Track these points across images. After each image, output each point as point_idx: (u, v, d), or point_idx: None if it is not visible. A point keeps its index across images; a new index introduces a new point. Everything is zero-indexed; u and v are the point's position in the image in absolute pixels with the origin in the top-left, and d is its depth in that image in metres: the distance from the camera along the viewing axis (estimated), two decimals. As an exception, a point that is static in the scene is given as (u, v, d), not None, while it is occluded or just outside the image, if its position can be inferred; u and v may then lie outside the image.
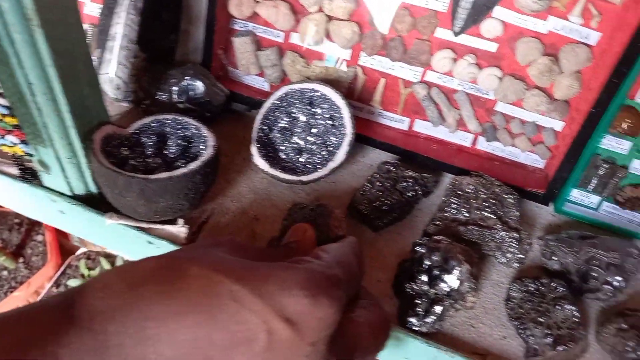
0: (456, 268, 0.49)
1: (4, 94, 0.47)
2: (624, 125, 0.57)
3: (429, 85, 0.65)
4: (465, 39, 0.61)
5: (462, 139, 0.67)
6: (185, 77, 0.63)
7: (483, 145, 0.67)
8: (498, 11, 0.58)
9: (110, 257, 1.45)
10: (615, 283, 0.52)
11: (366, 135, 0.68)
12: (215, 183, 0.56)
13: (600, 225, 0.62)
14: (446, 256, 0.50)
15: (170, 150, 0.55)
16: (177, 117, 0.56)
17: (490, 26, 0.59)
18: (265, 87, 0.71)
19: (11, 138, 0.49)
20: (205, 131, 0.55)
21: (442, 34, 0.61)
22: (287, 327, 0.27)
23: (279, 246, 0.51)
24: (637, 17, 0.51)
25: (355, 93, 0.69)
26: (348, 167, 0.66)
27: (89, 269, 1.42)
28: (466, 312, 0.52)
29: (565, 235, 0.56)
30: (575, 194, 0.62)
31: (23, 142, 0.50)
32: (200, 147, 0.54)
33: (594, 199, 0.62)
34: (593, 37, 0.56)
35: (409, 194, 0.59)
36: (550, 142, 0.63)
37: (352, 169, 0.66)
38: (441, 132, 0.68)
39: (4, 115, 0.48)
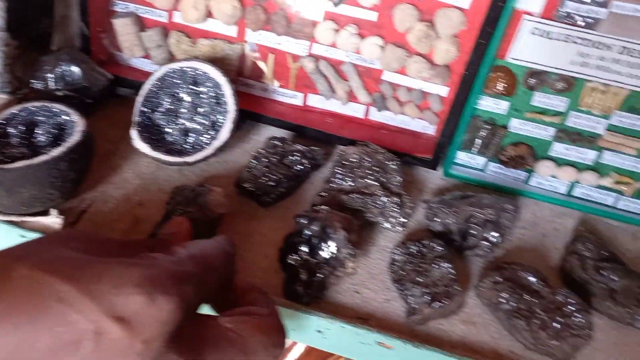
0: (332, 235, 0.49)
1: None
2: (500, 86, 0.58)
3: (317, 58, 0.65)
4: (345, 9, 0.61)
5: (355, 110, 0.68)
6: (60, 63, 0.61)
7: (375, 115, 0.67)
8: (372, -21, 0.58)
9: None
10: (492, 239, 0.53)
11: (259, 112, 0.67)
12: (89, 170, 0.54)
13: (488, 185, 0.63)
14: (324, 225, 0.50)
15: (40, 139, 0.53)
16: (46, 105, 0.54)
17: (366, -6, 0.59)
18: (154, 69, 0.69)
19: None
20: (75, 117, 0.53)
21: (323, 5, 0.61)
22: (119, 327, 0.26)
23: (149, 238, 0.50)
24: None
25: (246, 70, 0.68)
26: (241, 146, 0.65)
27: None
28: (352, 278, 0.53)
29: (447, 197, 0.57)
30: (462, 156, 0.64)
31: None
32: (71, 130, 0.52)
33: (480, 161, 0.64)
34: (465, 0, 0.57)
35: (297, 167, 0.59)
36: (437, 108, 0.65)
37: (245, 148, 0.65)
38: (334, 105, 0.68)
39: None
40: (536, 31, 0.54)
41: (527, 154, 0.61)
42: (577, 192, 0.63)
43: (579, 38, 0.54)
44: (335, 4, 0.60)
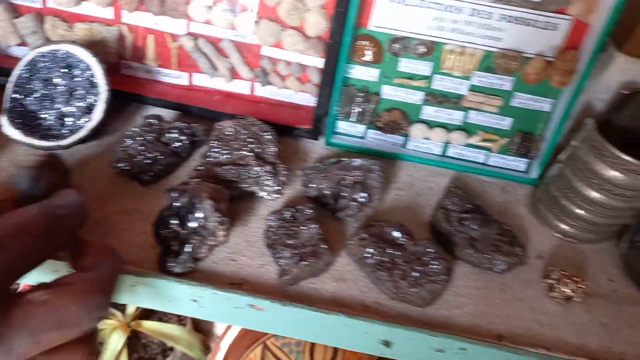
0: (198, 206, 0.50)
1: None
2: (368, 54, 0.61)
3: (195, 36, 0.65)
4: (215, -14, 0.61)
5: (240, 87, 0.69)
6: None
7: (260, 91, 0.69)
8: (237, -45, 0.59)
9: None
10: (361, 199, 0.56)
11: (145, 94, 0.67)
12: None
13: (369, 151, 0.66)
14: (192, 196, 0.51)
15: None
16: None
17: (232, -30, 0.60)
18: (33, 56, 0.68)
19: None
20: None
21: (193, -18, 0.61)
22: None
23: None
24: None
25: (127, 53, 0.68)
26: (125, 128, 0.65)
27: None
28: (228, 247, 0.54)
29: (321, 164, 0.59)
30: (342, 125, 0.66)
31: None
32: None
33: (360, 128, 0.66)
34: (326, -28, 0.59)
35: (175, 144, 0.60)
36: (316, 80, 0.66)
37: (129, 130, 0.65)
38: (219, 83, 0.69)
39: None
40: (391, -2, 0.56)
41: (400, 119, 0.64)
42: (451, 152, 0.66)
43: (433, 3, 0.56)
44: (205, -19, 0.61)
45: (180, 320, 1.14)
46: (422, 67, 0.61)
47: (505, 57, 0.57)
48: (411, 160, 0.66)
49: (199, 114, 0.67)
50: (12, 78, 0.59)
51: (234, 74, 0.68)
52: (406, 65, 0.61)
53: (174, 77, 0.69)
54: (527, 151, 0.63)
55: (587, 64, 0.55)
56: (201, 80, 0.69)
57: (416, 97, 0.63)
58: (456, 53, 0.59)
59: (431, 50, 0.59)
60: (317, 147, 0.67)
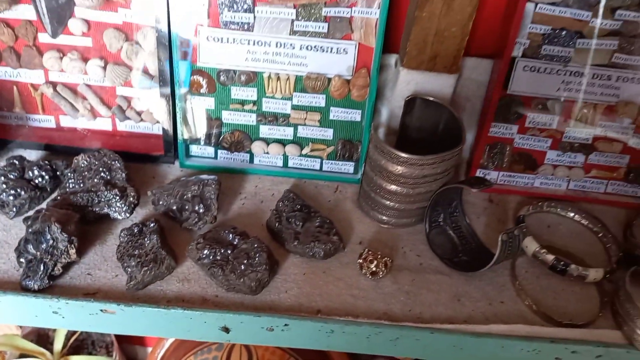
0: (47, 229, 0.58)
1: None
2: (202, 86, 0.71)
3: (54, 84, 0.74)
4: (64, 39, 0.70)
5: (103, 124, 0.77)
6: None
7: (121, 125, 0.78)
8: (78, 11, 0.68)
9: None
10: (201, 210, 0.65)
11: (14, 139, 0.75)
12: None
13: (221, 169, 0.76)
14: (42, 222, 0.59)
15: None
16: None
17: (76, 25, 0.69)
18: None
19: None
20: None
21: (44, 38, 0.70)
22: None
23: None
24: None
25: (-4, 103, 0.76)
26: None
27: None
28: (86, 264, 0.62)
29: (169, 184, 0.69)
30: (195, 149, 0.76)
31: None
32: None
33: (210, 150, 0.76)
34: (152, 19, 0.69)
35: (38, 180, 0.68)
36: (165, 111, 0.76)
37: None
38: (83, 122, 0.77)
39: None
40: (210, 38, 0.67)
41: (242, 139, 0.75)
42: (291, 163, 0.77)
43: (245, 40, 0.67)
44: (53, 36, 0.70)
45: (108, 352, 1.19)
46: (250, 93, 0.71)
47: (311, 79, 0.69)
48: (257, 173, 0.76)
49: (68, 152, 0.75)
50: None
51: (94, 113, 0.76)
52: (236, 92, 0.71)
53: (42, 121, 0.77)
54: (350, 156, 0.75)
55: (372, 79, 0.67)
56: (67, 121, 0.77)
57: (250, 118, 0.73)
58: (274, 79, 0.70)
59: (253, 78, 0.70)
60: (174, 170, 0.76)
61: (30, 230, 0.60)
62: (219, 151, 0.76)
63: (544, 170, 0.75)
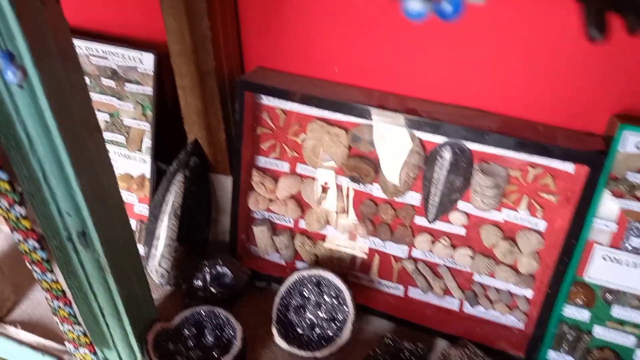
0: None
1: (80, 312, 0.62)
2: (580, 298, 0.67)
3: (415, 260, 0.78)
4: (439, 225, 0.74)
5: (450, 303, 0.78)
6: (216, 266, 0.79)
7: (469, 309, 0.78)
8: (462, 205, 0.72)
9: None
10: None
11: (368, 305, 0.80)
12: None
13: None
14: None
15: (208, 339, 0.69)
16: (210, 309, 0.71)
17: (456, 216, 0.72)
18: (282, 262, 0.86)
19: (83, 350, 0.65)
20: (233, 321, 0.69)
21: (420, 221, 0.75)
22: None
23: None
24: (569, 210, 0.63)
25: (356, 266, 0.82)
26: (353, 336, 0.77)
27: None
28: None
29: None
30: (552, 355, 0.71)
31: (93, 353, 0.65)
32: (230, 333, 0.68)
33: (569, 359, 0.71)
34: (541, 224, 0.69)
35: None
36: (524, 308, 0.74)
37: (357, 338, 0.77)
38: (431, 298, 0.79)
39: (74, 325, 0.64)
40: (607, 257, 0.63)
41: (612, 358, 0.68)
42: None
43: (646, 264, 0.62)
44: (430, 221, 0.74)
45: None
46: (637, 316, 0.65)
47: None
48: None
49: (416, 328, 0.77)
50: (279, 294, 0.76)
51: (445, 292, 0.78)
52: (619, 312, 0.65)
53: (392, 288, 0.81)
54: None
55: None
56: (415, 293, 0.80)
57: (629, 340, 0.66)
58: (674, 309, 0.63)
59: (647, 302, 0.64)
60: (523, 371, 0.72)
61: None
62: (577, 363, 0.70)
63: None
